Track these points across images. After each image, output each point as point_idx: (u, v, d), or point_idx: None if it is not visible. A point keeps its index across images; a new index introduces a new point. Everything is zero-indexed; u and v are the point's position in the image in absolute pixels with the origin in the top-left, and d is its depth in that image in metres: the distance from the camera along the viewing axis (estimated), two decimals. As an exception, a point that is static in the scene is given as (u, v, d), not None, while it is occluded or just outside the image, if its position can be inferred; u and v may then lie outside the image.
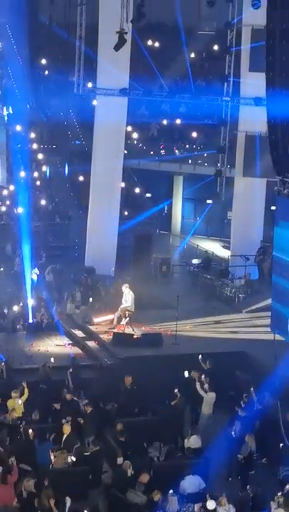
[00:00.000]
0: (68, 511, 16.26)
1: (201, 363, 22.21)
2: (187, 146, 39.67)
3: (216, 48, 38.78)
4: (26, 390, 20.23)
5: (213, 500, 16.33)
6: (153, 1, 28.15)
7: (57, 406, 20.04)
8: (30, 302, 26.45)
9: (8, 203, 35.83)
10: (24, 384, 20.33)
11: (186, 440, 19.86)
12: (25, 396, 20.13)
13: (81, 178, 35.97)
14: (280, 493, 16.55)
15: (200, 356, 22.41)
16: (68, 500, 16.35)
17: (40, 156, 38.43)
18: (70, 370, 21.99)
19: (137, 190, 38.36)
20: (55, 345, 24.83)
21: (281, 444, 19.26)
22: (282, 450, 19.15)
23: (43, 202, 35.92)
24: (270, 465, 19.28)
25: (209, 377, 21.32)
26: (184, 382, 21.50)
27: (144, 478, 17.50)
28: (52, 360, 23.06)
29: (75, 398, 20.70)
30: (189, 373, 21.54)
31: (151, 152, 39.52)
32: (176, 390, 20.95)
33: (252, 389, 20.85)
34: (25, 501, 16.16)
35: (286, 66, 19.28)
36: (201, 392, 21.11)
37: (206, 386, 21.10)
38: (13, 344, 24.66)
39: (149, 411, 21.17)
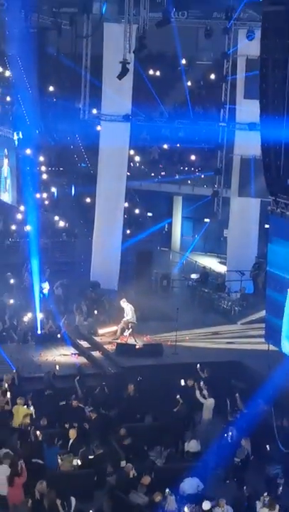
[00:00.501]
0: (74, 511, 16.29)
1: (199, 372, 22.22)
2: (186, 168, 39.71)
3: (212, 76, 38.83)
4: (32, 408, 20.21)
5: (209, 501, 16.33)
6: (154, 33, 28.17)
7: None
8: (39, 315, 26.50)
9: (18, 220, 35.84)
10: (30, 402, 20.28)
11: (186, 444, 19.87)
12: (30, 411, 20.07)
13: (87, 199, 36.02)
14: (266, 494, 16.53)
15: (198, 365, 22.43)
16: (73, 500, 16.37)
17: (48, 177, 38.48)
18: (78, 377, 22.02)
19: (139, 209, 38.38)
20: (62, 355, 24.86)
21: (268, 446, 19.29)
22: (271, 451, 19.19)
23: (51, 220, 35.98)
24: (263, 467, 19.24)
25: (207, 385, 21.34)
26: (183, 389, 21.51)
27: (146, 480, 17.52)
28: (57, 367, 23.10)
29: (81, 405, 20.72)
30: (185, 382, 21.54)
31: (152, 174, 39.54)
32: (178, 397, 20.96)
33: (237, 395, 20.87)
34: (37, 502, 16.18)
35: (278, 93, 19.33)
36: (201, 399, 21.09)
37: (205, 392, 21.10)
38: (23, 354, 24.68)
39: (150, 417, 21.16)
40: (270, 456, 19.07)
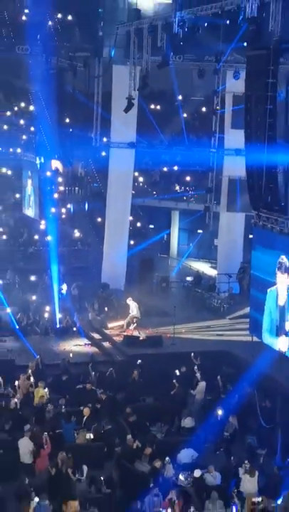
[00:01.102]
0: (86, 477, 16.35)
1: (193, 359, 22.25)
2: (182, 187, 39.74)
3: (204, 110, 38.88)
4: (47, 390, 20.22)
5: (199, 470, 16.37)
6: (155, 73, 28.24)
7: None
8: (58, 311, 26.57)
9: (40, 231, 35.96)
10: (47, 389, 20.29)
11: (182, 421, 19.88)
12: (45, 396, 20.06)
13: (98, 213, 36.08)
14: (246, 461, 16.57)
15: (192, 354, 22.44)
16: (85, 468, 16.43)
17: (65, 196, 38.57)
18: (91, 364, 22.07)
19: (142, 222, 38.40)
20: (77, 345, 24.91)
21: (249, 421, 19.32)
22: (251, 425, 19.23)
23: (67, 232, 36.05)
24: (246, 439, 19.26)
25: (200, 370, 21.38)
26: (180, 375, 21.53)
27: (148, 451, 17.58)
28: (71, 355, 23.17)
29: (94, 388, 20.75)
30: (179, 371, 21.56)
31: (154, 192, 39.60)
32: (174, 381, 20.98)
33: (218, 377, 20.84)
34: (59, 469, 16.28)
35: (260, 125, 19.45)
36: (193, 393, 21.07)
37: (198, 375, 21.14)
38: (44, 345, 24.78)
39: (152, 398, 21.18)
40: (249, 430, 19.15)
